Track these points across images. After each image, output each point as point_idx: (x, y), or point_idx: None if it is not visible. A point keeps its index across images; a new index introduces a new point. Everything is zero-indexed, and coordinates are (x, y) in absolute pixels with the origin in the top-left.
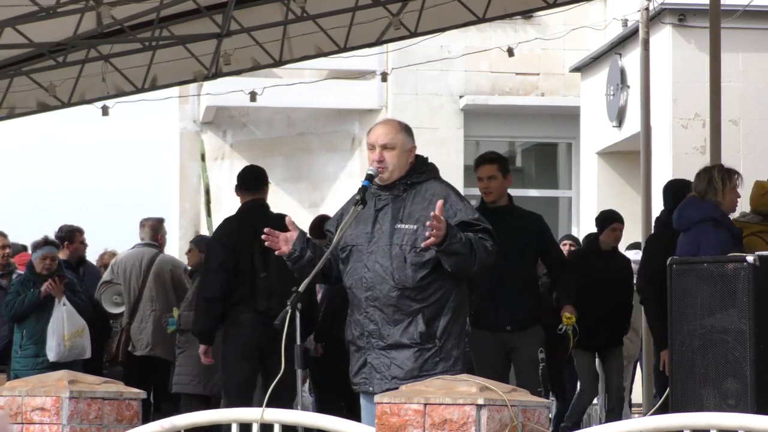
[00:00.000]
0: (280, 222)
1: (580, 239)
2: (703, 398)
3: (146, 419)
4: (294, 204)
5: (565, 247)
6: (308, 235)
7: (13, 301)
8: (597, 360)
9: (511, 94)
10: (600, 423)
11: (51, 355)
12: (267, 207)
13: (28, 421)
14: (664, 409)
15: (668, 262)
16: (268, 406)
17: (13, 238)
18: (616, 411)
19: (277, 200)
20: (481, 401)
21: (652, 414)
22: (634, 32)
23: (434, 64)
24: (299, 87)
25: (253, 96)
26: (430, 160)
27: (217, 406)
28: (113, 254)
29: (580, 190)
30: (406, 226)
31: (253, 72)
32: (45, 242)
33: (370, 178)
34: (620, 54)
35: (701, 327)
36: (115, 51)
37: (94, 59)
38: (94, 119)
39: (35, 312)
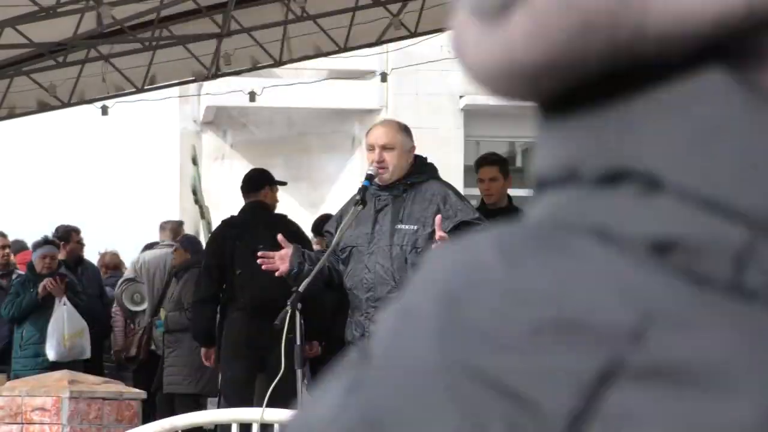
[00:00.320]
0: (275, 223)
1: None
2: None
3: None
4: (294, 204)
5: None
6: (302, 249)
7: (12, 303)
8: None
9: None
10: None
11: (51, 355)
12: (266, 208)
13: (28, 421)
14: None
15: None
16: (268, 406)
17: (13, 238)
18: None
19: None
20: None
21: None
22: None
23: (434, 64)
24: (299, 87)
25: (252, 96)
26: (429, 160)
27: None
28: (114, 254)
29: None
30: (407, 227)
31: (253, 72)
32: (45, 242)
33: (370, 178)
34: None
35: None
36: (115, 51)
37: (94, 59)
38: (94, 119)
39: (35, 312)
